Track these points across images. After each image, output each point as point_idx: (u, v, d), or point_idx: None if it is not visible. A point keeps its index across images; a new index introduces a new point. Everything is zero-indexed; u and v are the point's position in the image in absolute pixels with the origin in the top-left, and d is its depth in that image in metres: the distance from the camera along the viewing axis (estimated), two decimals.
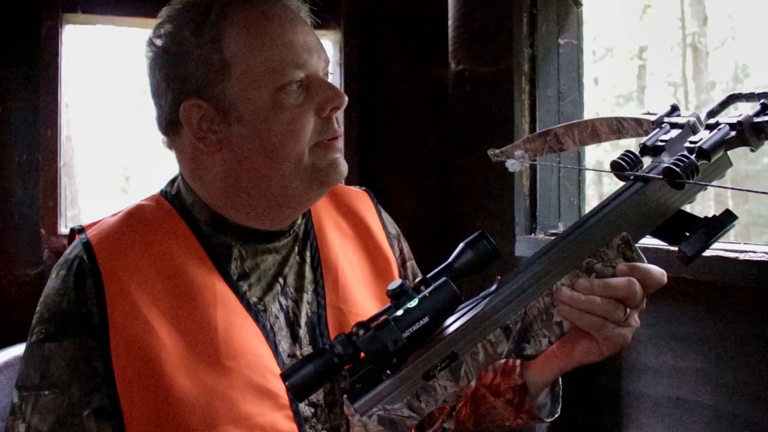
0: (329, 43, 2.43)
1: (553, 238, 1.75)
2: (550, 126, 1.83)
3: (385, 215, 1.29)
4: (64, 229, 2.27)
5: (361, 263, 1.20)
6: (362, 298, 1.16)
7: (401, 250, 1.27)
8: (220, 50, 1.02)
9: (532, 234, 1.88)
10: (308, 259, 1.15)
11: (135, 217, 1.08)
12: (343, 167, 1.07)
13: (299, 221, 1.16)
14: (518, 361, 1.09)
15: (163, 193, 1.13)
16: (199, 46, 1.03)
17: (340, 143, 1.08)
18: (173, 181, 1.15)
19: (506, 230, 1.97)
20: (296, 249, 1.15)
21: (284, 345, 1.07)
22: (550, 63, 1.87)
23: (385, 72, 2.50)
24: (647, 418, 1.55)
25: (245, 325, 1.04)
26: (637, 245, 0.88)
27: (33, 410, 0.98)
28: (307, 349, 1.09)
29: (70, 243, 1.09)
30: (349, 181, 1.28)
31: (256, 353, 1.03)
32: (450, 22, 2.42)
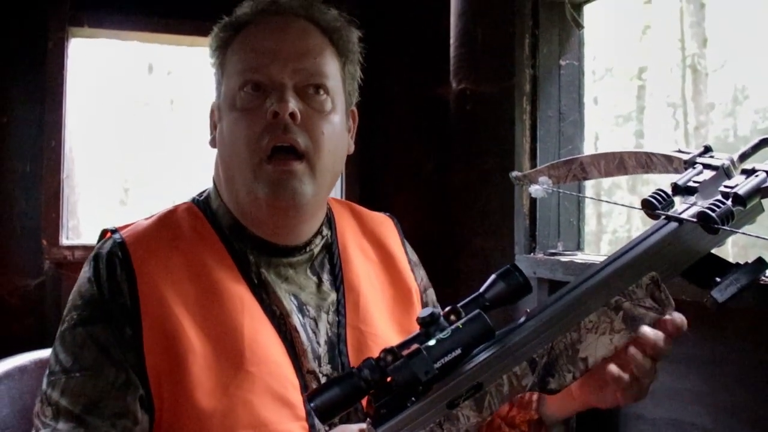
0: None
1: (552, 257, 1.78)
2: (550, 146, 1.85)
3: (407, 243, 1.30)
4: (65, 240, 2.27)
5: (383, 288, 1.20)
6: (382, 322, 1.17)
7: (421, 278, 1.28)
8: (224, 56, 1.12)
9: (532, 254, 1.88)
10: (326, 280, 1.16)
11: (167, 221, 1.12)
12: (292, 189, 1.06)
13: (317, 241, 1.16)
14: (535, 395, 1.11)
15: (194, 201, 1.17)
16: (218, 54, 1.13)
17: (297, 165, 1.06)
18: (204, 191, 1.19)
19: (506, 249, 1.97)
20: (311, 269, 1.15)
21: (305, 361, 1.08)
22: (551, 83, 1.88)
23: (385, 90, 2.49)
24: None
25: (269, 334, 1.06)
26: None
27: (63, 393, 0.98)
28: (326, 368, 1.10)
29: (99, 242, 1.11)
30: (349, 200, 1.29)
31: (278, 363, 1.05)
32: (452, 41, 2.42)
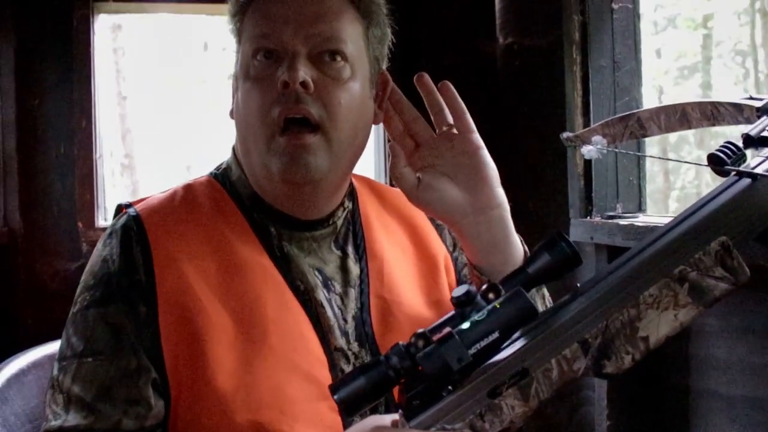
0: None
1: (610, 221, 1.65)
2: (604, 99, 1.72)
3: None
4: (102, 222, 2.26)
5: (408, 258, 1.16)
6: (409, 291, 1.12)
7: (452, 241, 1.22)
8: (241, 23, 1.06)
9: (588, 217, 1.76)
10: (351, 254, 1.11)
11: (184, 194, 1.08)
12: (306, 164, 1.00)
13: (340, 213, 1.12)
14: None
15: (212, 174, 1.13)
16: (235, 20, 1.08)
17: (312, 137, 1.00)
18: (220, 165, 1.14)
19: (560, 213, 1.87)
20: (335, 243, 1.11)
21: (332, 338, 1.04)
22: (604, 31, 1.75)
23: (428, 48, 2.40)
24: (719, 419, 1.44)
25: (293, 308, 1.02)
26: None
27: (74, 379, 0.96)
28: (355, 345, 1.05)
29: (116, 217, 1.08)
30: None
31: (304, 337, 1.01)
32: None
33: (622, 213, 1.74)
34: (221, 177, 1.11)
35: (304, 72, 0.99)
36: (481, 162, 1.05)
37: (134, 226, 1.02)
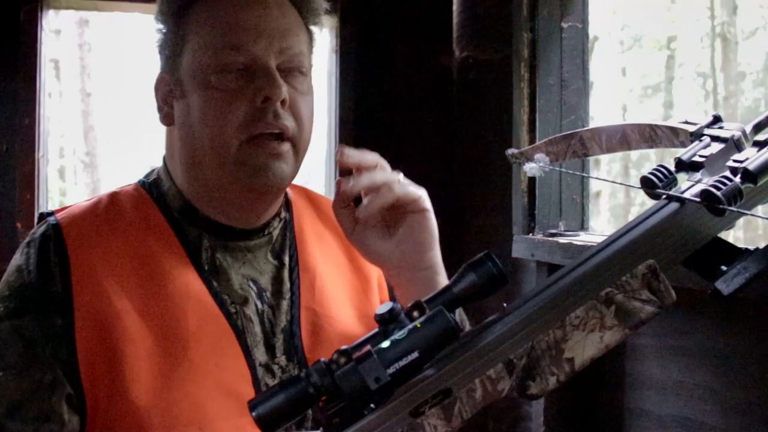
0: (325, 29, 2.32)
1: (551, 238, 1.66)
2: (550, 117, 1.73)
3: None
4: None
5: (341, 272, 1.15)
6: (341, 305, 1.11)
7: None
8: (183, 24, 1.02)
9: (530, 234, 1.76)
10: (286, 263, 1.09)
11: (109, 203, 1.05)
12: (278, 172, 1.00)
13: (275, 223, 1.10)
14: None
15: (141, 183, 1.09)
16: (170, 18, 1.03)
17: (284, 145, 1.00)
18: (152, 172, 1.11)
19: (505, 229, 1.87)
20: (271, 252, 1.09)
21: (257, 353, 1.02)
22: (552, 49, 1.75)
23: (386, 59, 2.39)
24: None
25: (217, 322, 0.99)
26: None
27: None
28: (282, 359, 1.04)
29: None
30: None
31: (226, 353, 0.98)
32: (455, 7, 2.33)
33: (565, 231, 1.74)
34: (149, 186, 1.08)
35: (285, 89, 0.99)
36: (423, 225, 1.05)
37: (53, 235, 0.99)
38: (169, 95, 1.05)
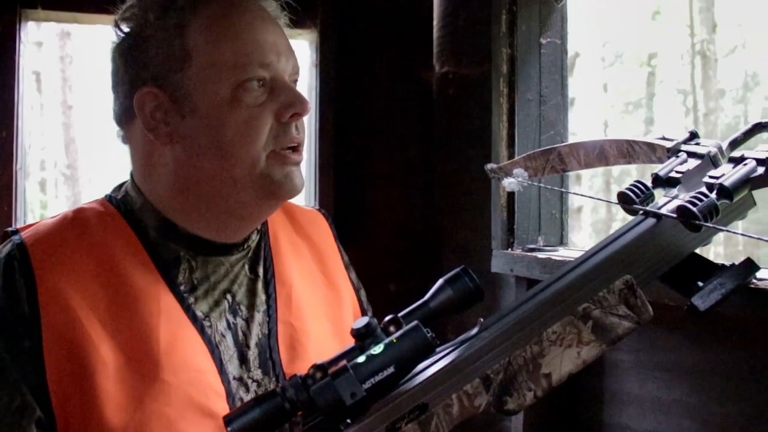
0: (305, 43, 2.33)
1: (530, 253, 1.65)
2: (529, 132, 1.73)
3: (338, 241, 1.25)
4: None
5: (316, 286, 1.15)
6: (316, 319, 1.10)
7: (355, 279, 1.24)
8: (183, 37, 0.98)
9: (510, 249, 1.76)
10: (261, 274, 1.09)
11: (75, 220, 1.03)
12: (299, 181, 1.02)
13: (254, 236, 1.10)
14: None
15: (108, 198, 1.07)
16: (161, 31, 0.99)
17: (300, 155, 1.03)
18: (120, 186, 1.09)
19: (485, 244, 1.86)
20: (248, 264, 1.09)
21: (231, 367, 1.01)
22: (531, 64, 1.75)
23: (366, 74, 2.39)
24: None
25: (189, 338, 0.98)
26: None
27: None
28: (257, 373, 1.03)
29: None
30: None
31: (199, 369, 0.97)
32: (435, 22, 2.32)
33: (544, 246, 1.74)
34: (117, 202, 1.07)
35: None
36: None
37: (18, 255, 0.96)
38: (161, 112, 1.01)
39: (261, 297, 1.08)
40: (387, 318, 0.81)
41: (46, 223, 1.03)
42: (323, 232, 1.23)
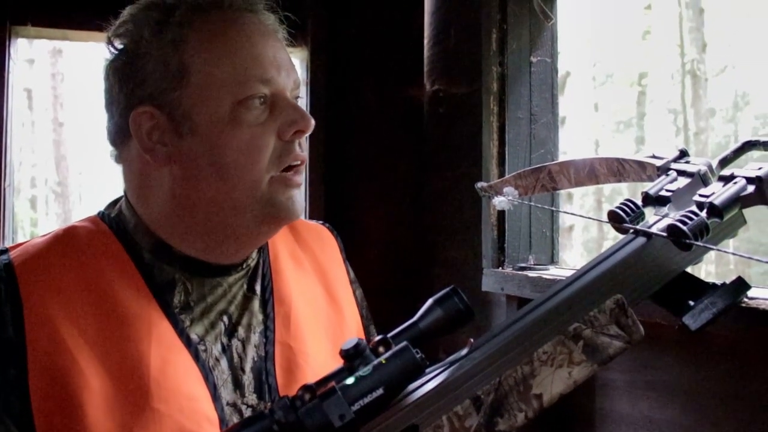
0: (296, 61, 2.32)
1: (520, 272, 1.65)
2: (519, 150, 1.73)
3: (345, 258, 1.23)
4: None
5: (318, 304, 1.12)
6: (316, 340, 1.08)
7: (361, 297, 1.21)
8: (180, 54, 0.95)
9: (500, 268, 1.75)
10: (258, 292, 1.06)
11: (66, 239, 0.99)
12: (300, 206, 1.00)
13: (254, 255, 1.07)
14: None
15: (101, 215, 1.04)
16: (157, 48, 0.96)
17: (302, 176, 1.01)
18: (114, 203, 1.06)
19: (476, 262, 1.85)
20: (246, 282, 1.06)
21: (225, 392, 0.97)
22: (522, 83, 1.75)
23: (356, 92, 2.39)
24: None
25: (182, 363, 0.95)
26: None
27: None
28: (252, 398, 1.00)
29: None
30: (314, 210, 1.19)
31: (191, 396, 0.94)
32: (425, 40, 2.33)
33: (534, 265, 1.73)
34: (110, 220, 1.03)
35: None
36: None
37: (5, 276, 0.93)
38: (158, 132, 0.98)
39: (258, 317, 1.05)
40: (376, 338, 0.80)
41: (35, 243, 0.99)
42: (328, 246, 1.20)
